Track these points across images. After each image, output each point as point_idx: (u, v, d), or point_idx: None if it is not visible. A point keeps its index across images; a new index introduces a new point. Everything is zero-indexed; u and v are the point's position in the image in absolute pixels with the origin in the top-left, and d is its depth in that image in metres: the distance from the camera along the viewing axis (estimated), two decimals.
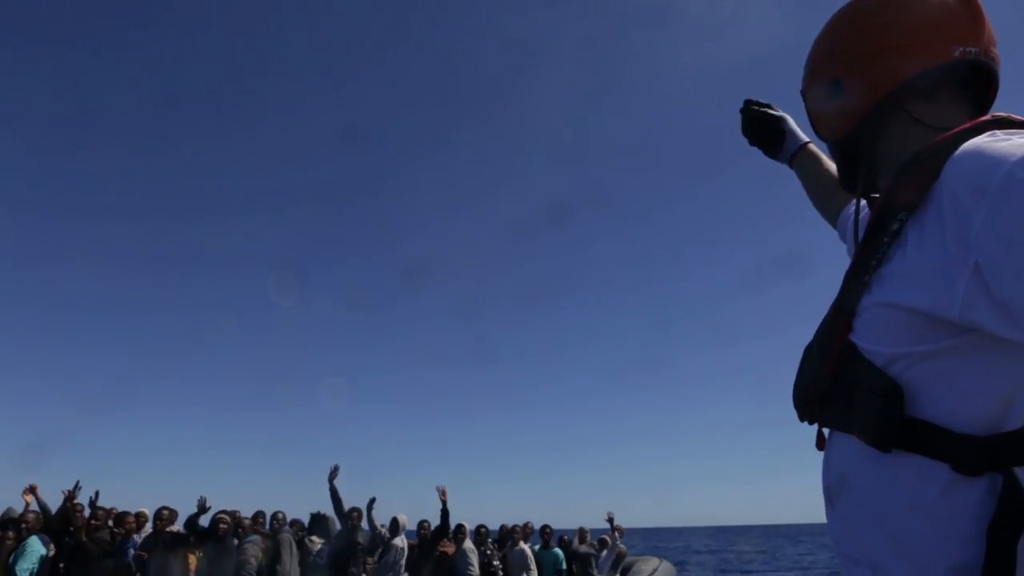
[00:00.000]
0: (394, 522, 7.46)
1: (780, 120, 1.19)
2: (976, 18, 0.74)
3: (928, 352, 0.63)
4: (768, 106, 1.22)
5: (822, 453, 0.78)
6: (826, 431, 0.78)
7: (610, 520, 9.08)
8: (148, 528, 6.46)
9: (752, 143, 1.23)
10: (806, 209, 1.14)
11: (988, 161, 0.57)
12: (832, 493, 0.74)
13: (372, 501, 7.38)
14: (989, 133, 0.63)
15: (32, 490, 5.89)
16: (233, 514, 6.86)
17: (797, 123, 1.19)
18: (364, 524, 7.18)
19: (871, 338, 0.68)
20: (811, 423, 0.80)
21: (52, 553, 5.39)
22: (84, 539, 5.53)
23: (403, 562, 7.24)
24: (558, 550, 8.42)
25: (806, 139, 1.17)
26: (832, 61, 0.82)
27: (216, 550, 6.12)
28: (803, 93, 0.91)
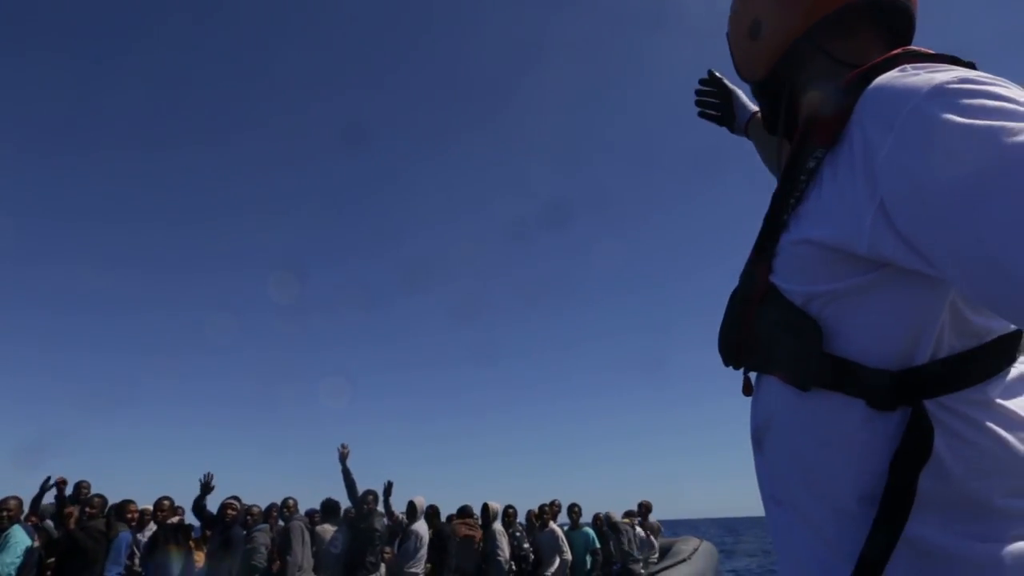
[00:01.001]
0: (411, 506, 6.88)
1: (731, 94, 1.25)
2: None
3: (843, 289, 0.63)
4: (721, 80, 1.27)
5: (750, 400, 0.79)
6: (752, 377, 0.79)
7: (643, 507, 8.66)
8: (152, 527, 5.93)
9: (707, 118, 1.29)
10: None
11: (896, 95, 0.58)
12: (759, 436, 0.74)
13: (389, 485, 6.86)
14: (899, 68, 0.63)
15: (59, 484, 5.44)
16: (244, 504, 6.35)
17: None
18: (380, 509, 6.66)
19: (789, 277, 0.68)
20: (736, 368, 0.81)
21: (38, 544, 4.86)
22: (73, 527, 4.97)
23: (424, 551, 6.67)
24: (589, 529, 7.85)
25: (755, 108, 1.19)
26: (751, 2, 0.84)
27: (223, 539, 5.57)
28: (727, 36, 0.92)
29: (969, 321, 0.61)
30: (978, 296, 0.52)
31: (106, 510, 5.38)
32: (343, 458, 6.48)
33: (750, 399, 0.78)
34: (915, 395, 0.60)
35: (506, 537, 7.13)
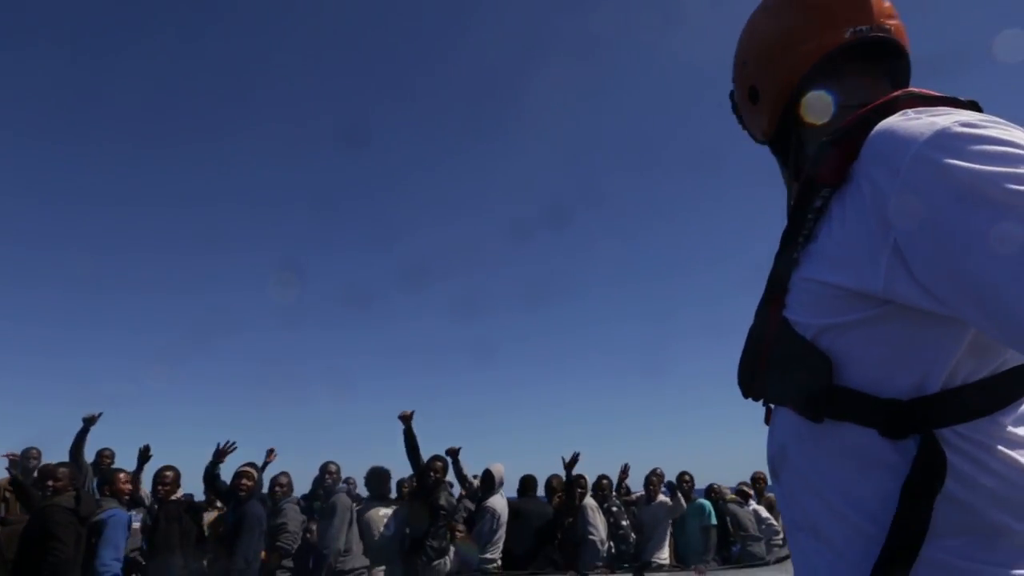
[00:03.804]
0: (488, 476, 5.35)
1: None
2: None
3: (854, 322, 0.64)
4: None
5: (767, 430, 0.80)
6: (772, 407, 0.80)
7: (757, 479, 6.89)
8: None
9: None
10: None
11: (899, 141, 0.59)
12: (775, 465, 0.76)
13: (458, 450, 5.39)
14: (901, 112, 0.64)
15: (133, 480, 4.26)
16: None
17: None
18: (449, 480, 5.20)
19: (801, 311, 0.69)
20: (755, 400, 0.82)
21: None
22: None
23: (502, 532, 5.15)
24: (705, 502, 6.21)
25: None
26: (745, 71, 0.91)
27: (236, 517, 4.14)
28: (733, 107, 0.98)
29: (986, 350, 0.61)
30: (996, 338, 0.55)
31: (78, 482, 3.98)
32: (407, 419, 5.03)
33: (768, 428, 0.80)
34: (928, 423, 0.60)
35: (599, 514, 5.58)
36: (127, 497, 4.18)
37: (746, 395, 0.82)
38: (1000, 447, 0.59)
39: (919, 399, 0.61)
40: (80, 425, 4.71)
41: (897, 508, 0.59)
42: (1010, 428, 0.60)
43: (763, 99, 0.87)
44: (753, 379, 0.79)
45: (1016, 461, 0.59)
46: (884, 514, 0.60)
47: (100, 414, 4.73)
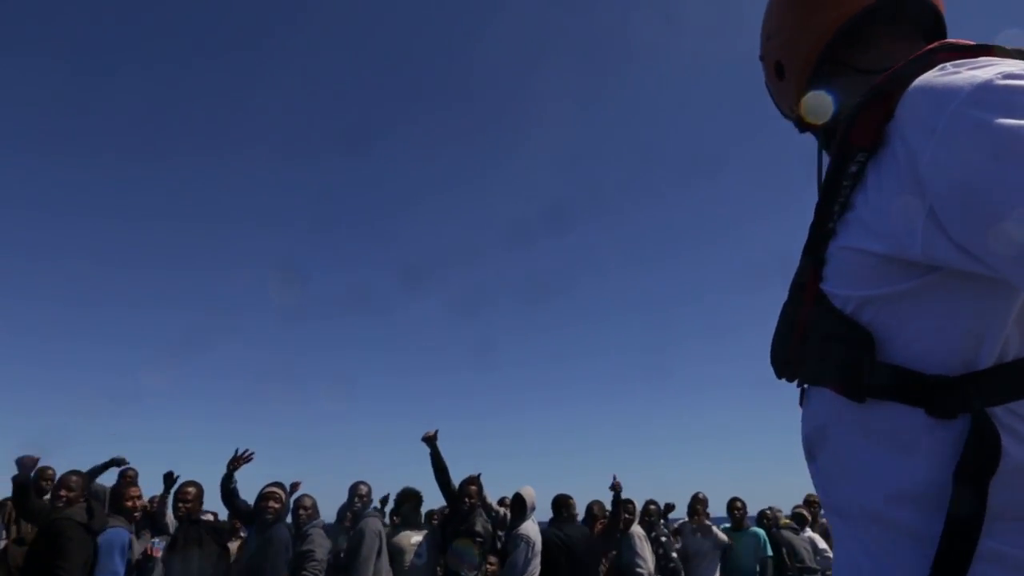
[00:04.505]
0: (518, 500, 4.99)
1: None
2: None
3: (896, 293, 0.61)
4: None
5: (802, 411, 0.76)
6: (806, 387, 0.75)
7: (811, 503, 6.37)
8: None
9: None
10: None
11: (936, 97, 0.56)
12: (812, 446, 0.72)
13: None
14: (939, 67, 0.60)
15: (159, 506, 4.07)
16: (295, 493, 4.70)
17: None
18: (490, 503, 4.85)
19: (840, 283, 0.66)
20: (789, 380, 0.78)
21: None
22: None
23: (537, 561, 4.75)
24: (759, 530, 5.74)
25: None
26: (771, 45, 0.88)
27: (260, 541, 3.86)
28: (765, 82, 0.96)
29: None
30: None
31: (87, 493, 3.68)
32: (431, 440, 4.70)
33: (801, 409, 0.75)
34: (980, 400, 0.57)
35: (646, 542, 5.17)
36: (137, 515, 3.91)
37: (780, 375, 0.79)
38: None
39: (968, 375, 0.57)
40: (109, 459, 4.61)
41: (952, 495, 0.56)
42: None
43: (789, 73, 0.85)
44: (788, 358, 0.75)
45: None
46: (933, 500, 0.57)
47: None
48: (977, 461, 0.55)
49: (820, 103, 0.80)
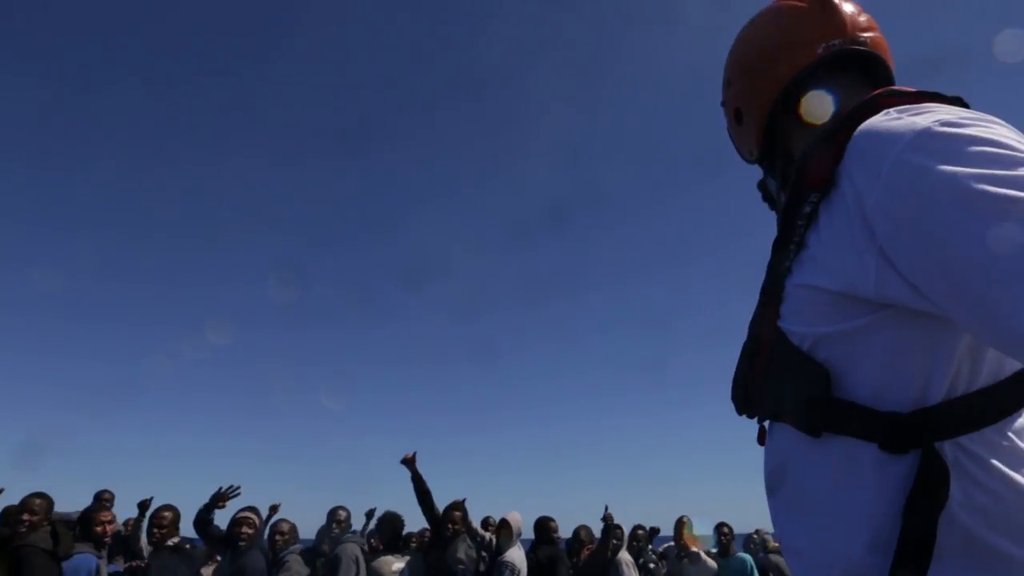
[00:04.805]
0: (504, 526, 4.86)
1: None
2: (830, 13, 0.82)
3: (850, 329, 0.62)
4: None
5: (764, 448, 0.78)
6: (767, 424, 0.78)
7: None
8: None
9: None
10: None
11: (879, 142, 0.59)
12: (772, 483, 0.73)
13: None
14: (884, 112, 0.64)
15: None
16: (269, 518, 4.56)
17: None
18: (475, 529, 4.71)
19: (796, 320, 0.68)
20: (750, 417, 0.80)
21: None
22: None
23: None
24: (745, 556, 5.63)
25: None
26: (730, 93, 0.93)
27: (233, 569, 3.71)
28: (727, 129, 0.99)
29: (986, 357, 0.61)
30: (984, 340, 0.54)
31: (52, 516, 3.44)
32: (410, 463, 4.57)
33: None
34: (929, 436, 0.59)
35: (635, 571, 5.06)
36: (108, 540, 3.74)
37: (740, 412, 0.81)
38: (999, 462, 0.58)
39: (919, 411, 0.59)
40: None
41: (902, 528, 0.57)
42: (1013, 438, 0.60)
43: (747, 120, 0.90)
44: (748, 395, 0.78)
45: (1013, 478, 0.57)
46: (882, 536, 0.59)
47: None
48: (925, 496, 0.57)
49: (820, 103, 0.81)
